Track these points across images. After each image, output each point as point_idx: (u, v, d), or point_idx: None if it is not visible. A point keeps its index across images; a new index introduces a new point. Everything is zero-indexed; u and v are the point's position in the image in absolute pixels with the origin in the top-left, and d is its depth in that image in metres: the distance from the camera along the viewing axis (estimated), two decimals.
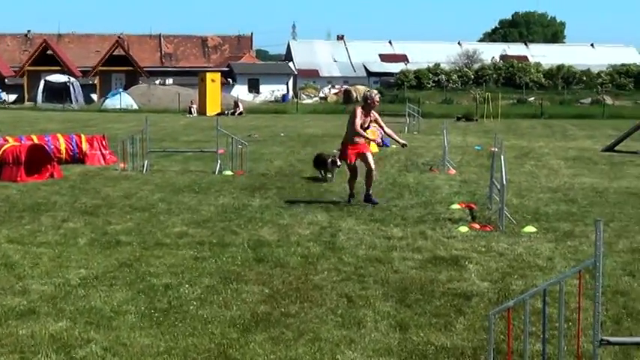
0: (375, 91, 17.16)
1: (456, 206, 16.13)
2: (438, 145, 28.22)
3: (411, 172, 22.47)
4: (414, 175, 21.87)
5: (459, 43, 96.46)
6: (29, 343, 7.97)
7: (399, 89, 77.09)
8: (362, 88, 74.09)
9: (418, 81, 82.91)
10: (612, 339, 6.86)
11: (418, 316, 8.77)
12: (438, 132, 34.21)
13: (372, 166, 16.41)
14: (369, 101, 16.35)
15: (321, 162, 20.67)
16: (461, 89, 78.78)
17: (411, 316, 8.81)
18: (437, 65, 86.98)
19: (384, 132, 17.38)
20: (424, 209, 15.97)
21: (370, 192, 16.61)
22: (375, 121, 16.63)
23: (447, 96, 75.58)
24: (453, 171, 22.36)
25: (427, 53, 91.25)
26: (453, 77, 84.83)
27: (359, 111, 16.23)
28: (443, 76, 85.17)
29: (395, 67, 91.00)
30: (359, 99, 65.29)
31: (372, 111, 16.44)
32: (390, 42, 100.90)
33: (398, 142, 17.36)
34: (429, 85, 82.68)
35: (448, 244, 12.75)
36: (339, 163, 18.82)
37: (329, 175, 20.20)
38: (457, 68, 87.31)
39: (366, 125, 16.42)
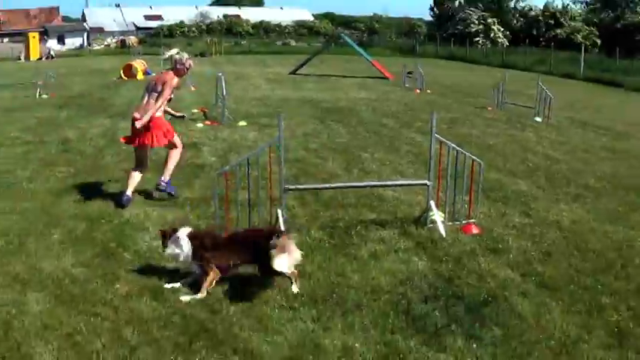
0: (187, 55, 7.86)
1: (195, 110, 15.77)
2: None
3: None
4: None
5: (196, 7, 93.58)
6: None
7: (157, 37, 73.89)
8: (133, 38, 70.56)
9: (170, 32, 79.96)
10: (291, 186, 6.86)
11: (172, 178, 8.12)
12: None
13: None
14: (179, 66, 7.76)
15: None
16: (198, 36, 76.50)
17: (173, 181, 8.49)
18: (182, 22, 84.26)
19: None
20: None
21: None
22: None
23: (190, 41, 73.15)
24: (193, 88, 21.76)
25: (175, 14, 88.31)
26: (193, 29, 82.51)
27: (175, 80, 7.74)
28: (186, 28, 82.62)
29: (154, 24, 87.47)
30: (131, 46, 61.96)
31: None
32: (150, 7, 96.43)
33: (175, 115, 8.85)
34: (177, 35, 79.91)
35: (190, 134, 12.44)
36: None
37: None
38: (195, 24, 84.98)
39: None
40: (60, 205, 7.54)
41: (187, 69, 7.84)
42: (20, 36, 69.42)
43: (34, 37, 58.12)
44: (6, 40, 77.29)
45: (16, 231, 6.58)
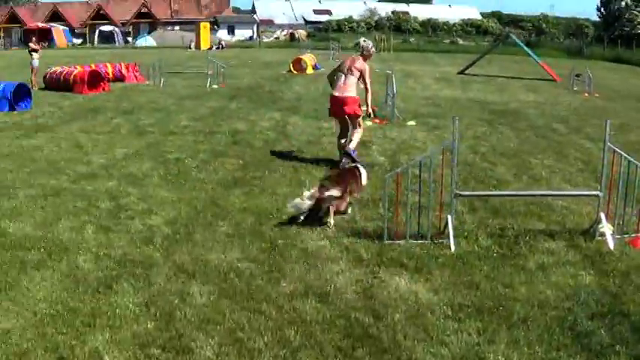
0: (372, 43, 10.03)
1: (363, 108, 15.84)
2: None
3: None
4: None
5: (364, 2, 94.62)
6: (93, 194, 7.97)
7: (326, 32, 75.58)
8: (302, 32, 72.50)
9: (339, 27, 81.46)
10: (463, 193, 6.90)
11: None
12: None
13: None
14: (365, 52, 9.73)
15: None
16: (367, 33, 77.37)
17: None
18: (351, 17, 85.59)
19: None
20: None
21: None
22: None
23: (358, 37, 74.19)
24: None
25: (344, 9, 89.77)
26: (361, 24, 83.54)
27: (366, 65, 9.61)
28: (355, 24, 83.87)
29: (323, 18, 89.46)
30: (300, 39, 63.91)
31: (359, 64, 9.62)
32: (319, 1, 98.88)
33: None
34: (346, 30, 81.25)
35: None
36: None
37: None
38: (364, 19, 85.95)
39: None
40: (228, 197, 7.84)
41: (371, 55, 9.68)
42: (191, 25, 74.11)
43: (205, 27, 61.44)
44: (177, 28, 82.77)
45: (183, 220, 6.91)
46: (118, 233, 6.54)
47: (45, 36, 69.04)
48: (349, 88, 9.45)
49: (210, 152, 10.52)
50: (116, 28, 75.68)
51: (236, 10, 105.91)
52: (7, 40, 79.81)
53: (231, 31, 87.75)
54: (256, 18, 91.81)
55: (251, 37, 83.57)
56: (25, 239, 6.31)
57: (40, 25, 76.73)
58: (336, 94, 9.52)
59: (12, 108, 15.76)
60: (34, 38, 23.99)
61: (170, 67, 26.24)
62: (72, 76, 20.07)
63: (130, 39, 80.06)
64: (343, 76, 9.50)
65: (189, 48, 57.89)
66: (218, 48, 57.40)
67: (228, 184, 8.49)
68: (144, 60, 32.68)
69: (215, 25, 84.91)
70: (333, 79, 9.76)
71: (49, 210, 7.29)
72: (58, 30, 76.81)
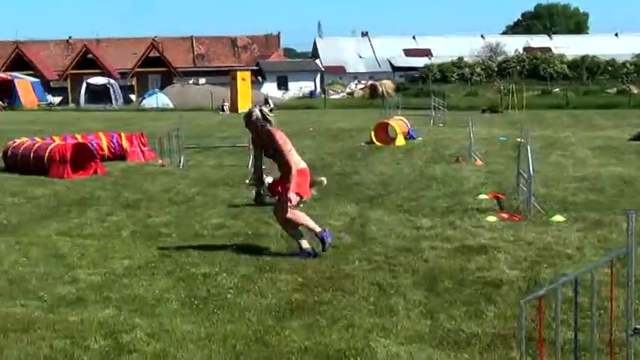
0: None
1: (483, 196, 16.00)
2: (464, 136, 28.07)
3: (438, 164, 22.35)
4: (441, 166, 21.76)
5: (482, 36, 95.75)
6: (79, 328, 8.09)
7: (424, 83, 76.66)
8: (387, 83, 73.66)
9: (442, 74, 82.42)
10: None
11: (449, 304, 8.72)
12: (463, 124, 34.03)
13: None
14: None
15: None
16: (485, 81, 78.13)
17: (442, 304, 8.75)
18: (460, 59, 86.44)
19: None
20: (452, 200, 15.86)
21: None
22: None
23: (472, 89, 74.88)
24: (479, 162, 22.17)
25: (450, 47, 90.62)
26: (477, 70, 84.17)
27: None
28: (467, 69, 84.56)
29: (419, 62, 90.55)
30: (385, 93, 64.83)
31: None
32: (413, 37, 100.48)
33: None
34: (454, 79, 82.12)
35: (477, 233, 12.64)
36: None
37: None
38: (481, 61, 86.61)
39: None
40: (282, 332, 7.89)
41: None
42: (224, 76, 75.88)
43: (243, 79, 62.88)
44: (203, 80, 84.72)
45: None
46: None
47: (4, 92, 71.41)
48: None
49: (255, 265, 10.68)
50: (112, 81, 78.02)
51: (290, 53, 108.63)
52: None
53: (282, 85, 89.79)
54: (319, 64, 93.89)
55: (312, 93, 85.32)
56: None
57: None
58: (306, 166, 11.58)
59: None
60: None
61: (193, 139, 26.97)
62: (47, 152, 20.64)
63: (133, 97, 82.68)
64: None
65: (222, 110, 59.42)
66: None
67: (282, 312, 8.57)
68: (154, 128, 33.73)
69: (259, 75, 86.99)
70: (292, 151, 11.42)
71: (10, 354, 7.44)
72: (25, 83, 78.98)
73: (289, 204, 11.11)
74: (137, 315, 8.52)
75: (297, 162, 11.30)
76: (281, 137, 11.27)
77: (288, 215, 11.20)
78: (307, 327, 8.08)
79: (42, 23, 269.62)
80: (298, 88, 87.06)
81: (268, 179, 12.86)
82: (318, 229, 11.28)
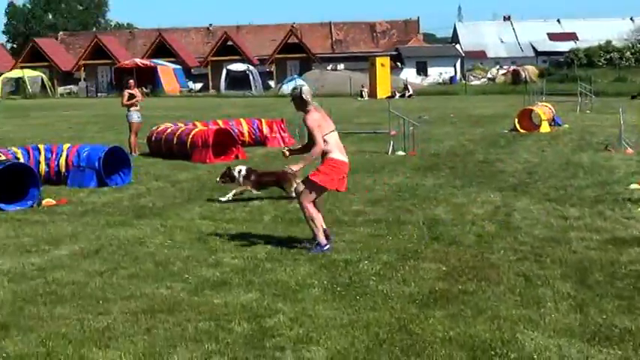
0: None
1: (635, 186, 15.45)
2: (612, 124, 27.41)
3: (585, 152, 21.80)
4: (588, 154, 21.22)
5: (631, 18, 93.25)
6: (223, 311, 8.28)
7: (569, 68, 75.05)
8: (530, 69, 72.40)
9: (588, 59, 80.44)
10: None
11: (599, 297, 8.49)
12: (611, 110, 33.23)
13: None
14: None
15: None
16: (635, 66, 75.91)
17: (592, 297, 8.53)
18: (608, 42, 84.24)
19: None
20: (601, 189, 15.44)
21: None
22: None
23: (620, 74, 72.78)
24: (630, 150, 21.42)
25: (597, 30, 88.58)
26: (626, 54, 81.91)
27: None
28: (615, 53, 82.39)
29: (564, 46, 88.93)
30: (528, 79, 63.74)
31: None
32: (558, 21, 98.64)
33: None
34: (601, 64, 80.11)
35: (629, 224, 12.24)
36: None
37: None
38: (630, 45, 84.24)
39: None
40: (425, 320, 7.81)
41: None
42: (362, 62, 76.07)
43: (382, 65, 62.85)
44: (341, 66, 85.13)
45: (358, 354, 7.00)
46: None
47: (147, 78, 73.08)
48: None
49: (397, 252, 10.68)
50: (251, 67, 78.96)
51: (429, 38, 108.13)
52: (90, 82, 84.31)
53: (422, 70, 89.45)
54: (459, 50, 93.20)
55: (452, 79, 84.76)
56: None
57: (140, 62, 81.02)
58: (346, 159, 11.20)
59: (102, 183, 16.77)
60: (131, 81, 23.50)
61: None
62: (190, 138, 21.17)
63: (272, 83, 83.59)
64: (336, 132, 11.15)
65: (360, 96, 59.51)
66: (403, 95, 58.58)
67: (425, 300, 8.54)
68: (293, 114, 34.01)
69: (398, 61, 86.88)
70: (325, 137, 10.93)
71: (157, 333, 7.65)
72: (167, 69, 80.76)
73: (308, 194, 10.95)
74: (280, 300, 8.63)
75: (330, 149, 10.94)
76: (312, 120, 10.93)
77: (304, 202, 10.99)
78: (451, 317, 8.02)
79: (183, 11, 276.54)
80: (438, 73, 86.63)
81: (239, 168, 14.53)
82: (321, 238, 10.88)
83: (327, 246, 10.86)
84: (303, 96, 10.97)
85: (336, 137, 11.12)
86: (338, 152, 11.04)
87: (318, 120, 10.94)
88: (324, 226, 11.06)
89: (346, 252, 10.74)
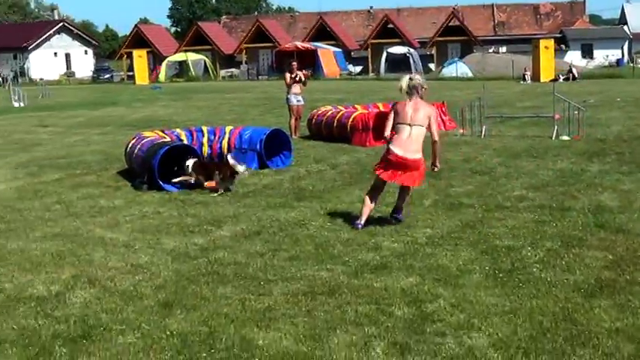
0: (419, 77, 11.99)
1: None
2: None
3: None
4: None
5: None
6: (383, 295, 8.33)
7: None
8: None
9: None
10: None
11: None
12: None
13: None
14: (421, 91, 11.62)
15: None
16: None
17: None
18: None
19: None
20: None
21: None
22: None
23: None
24: None
25: None
26: None
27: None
28: None
29: None
30: None
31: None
32: None
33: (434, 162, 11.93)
34: None
35: None
36: None
37: None
38: None
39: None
40: (591, 310, 7.67)
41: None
42: (525, 44, 75.01)
43: (547, 47, 61.86)
44: (503, 49, 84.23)
45: (522, 342, 6.94)
46: (420, 356, 6.76)
47: (307, 61, 73.92)
48: (417, 146, 11.33)
49: (561, 239, 10.50)
50: (412, 50, 78.88)
51: (595, 20, 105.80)
52: (251, 65, 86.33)
53: (587, 53, 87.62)
54: (627, 31, 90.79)
55: (619, 62, 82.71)
56: (283, 358, 6.78)
57: (301, 45, 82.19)
58: (401, 153, 11.24)
59: (263, 165, 17.06)
60: (294, 64, 23.51)
61: (495, 109, 26.91)
62: (350, 121, 21.31)
63: (432, 65, 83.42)
64: (408, 127, 11.30)
65: (523, 80, 58.73)
66: (567, 79, 57.51)
67: (591, 289, 8.37)
68: (454, 97, 33.88)
69: (563, 43, 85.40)
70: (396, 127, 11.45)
71: (317, 315, 7.77)
72: (327, 52, 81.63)
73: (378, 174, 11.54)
74: (441, 285, 8.62)
75: (392, 140, 11.42)
76: (391, 109, 11.78)
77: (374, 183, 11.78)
78: (618, 307, 7.84)
79: None
80: (604, 56, 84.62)
81: (189, 162, 14.96)
82: (358, 220, 11.45)
83: (358, 223, 11.38)
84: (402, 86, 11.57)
85: (406, 131, 11.37)
86: (396, 145, 11.33)
87: (395, 110, 11.63)
88: (369, 214, 11.50)
89: (508, 238, 10.63)
